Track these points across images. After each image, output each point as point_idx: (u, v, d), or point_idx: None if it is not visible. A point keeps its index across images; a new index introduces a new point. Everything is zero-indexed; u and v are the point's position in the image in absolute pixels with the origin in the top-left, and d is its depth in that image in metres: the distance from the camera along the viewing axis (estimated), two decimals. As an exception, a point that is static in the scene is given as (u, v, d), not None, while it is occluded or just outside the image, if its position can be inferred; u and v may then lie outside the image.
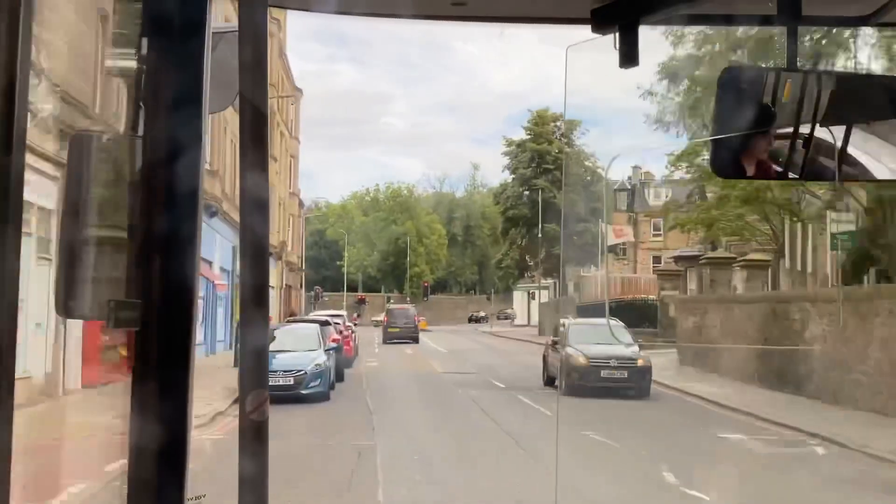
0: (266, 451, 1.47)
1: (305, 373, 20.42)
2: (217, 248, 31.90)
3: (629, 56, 1.77)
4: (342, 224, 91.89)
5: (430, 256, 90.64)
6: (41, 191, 13.62)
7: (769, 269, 31.24)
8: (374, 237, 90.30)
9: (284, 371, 19.84)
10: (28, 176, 1.32)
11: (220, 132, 33.07)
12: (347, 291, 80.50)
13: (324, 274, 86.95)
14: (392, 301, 71.96)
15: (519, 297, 71.62)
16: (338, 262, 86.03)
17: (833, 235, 23.77)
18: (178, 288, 1.45)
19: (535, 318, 60.11)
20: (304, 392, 20.12)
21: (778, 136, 1.83)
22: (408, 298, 74.67)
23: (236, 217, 2.68)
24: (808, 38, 20.92)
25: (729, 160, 1.86)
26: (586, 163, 62.11)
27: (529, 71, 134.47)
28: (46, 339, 15.57)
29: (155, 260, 1.45)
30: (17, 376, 1.30)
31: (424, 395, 22.80)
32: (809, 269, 29.50)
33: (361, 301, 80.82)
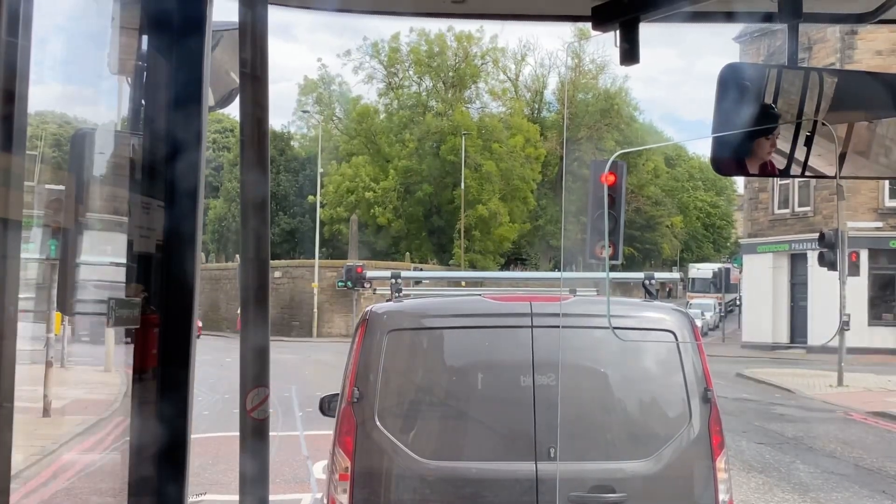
0: (267, 449, 1.46)
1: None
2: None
3: (630, 54, 1.76)
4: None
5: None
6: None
7: None
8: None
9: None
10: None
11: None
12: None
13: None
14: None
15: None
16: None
17: None
18: (178, 286, 1.44)
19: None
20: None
21: (779, 134, 1.82)
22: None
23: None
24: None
25: (729, 158, 1.85)
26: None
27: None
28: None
29: (155, 258, 1.44)
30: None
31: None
32: None
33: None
